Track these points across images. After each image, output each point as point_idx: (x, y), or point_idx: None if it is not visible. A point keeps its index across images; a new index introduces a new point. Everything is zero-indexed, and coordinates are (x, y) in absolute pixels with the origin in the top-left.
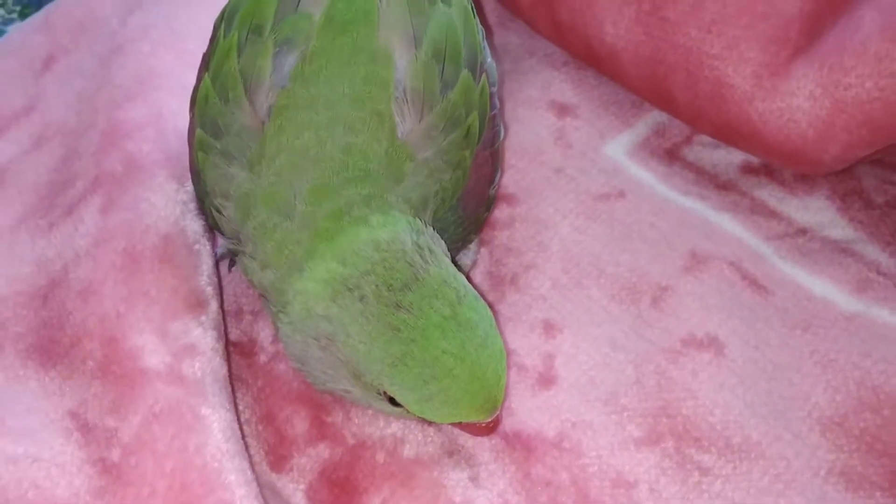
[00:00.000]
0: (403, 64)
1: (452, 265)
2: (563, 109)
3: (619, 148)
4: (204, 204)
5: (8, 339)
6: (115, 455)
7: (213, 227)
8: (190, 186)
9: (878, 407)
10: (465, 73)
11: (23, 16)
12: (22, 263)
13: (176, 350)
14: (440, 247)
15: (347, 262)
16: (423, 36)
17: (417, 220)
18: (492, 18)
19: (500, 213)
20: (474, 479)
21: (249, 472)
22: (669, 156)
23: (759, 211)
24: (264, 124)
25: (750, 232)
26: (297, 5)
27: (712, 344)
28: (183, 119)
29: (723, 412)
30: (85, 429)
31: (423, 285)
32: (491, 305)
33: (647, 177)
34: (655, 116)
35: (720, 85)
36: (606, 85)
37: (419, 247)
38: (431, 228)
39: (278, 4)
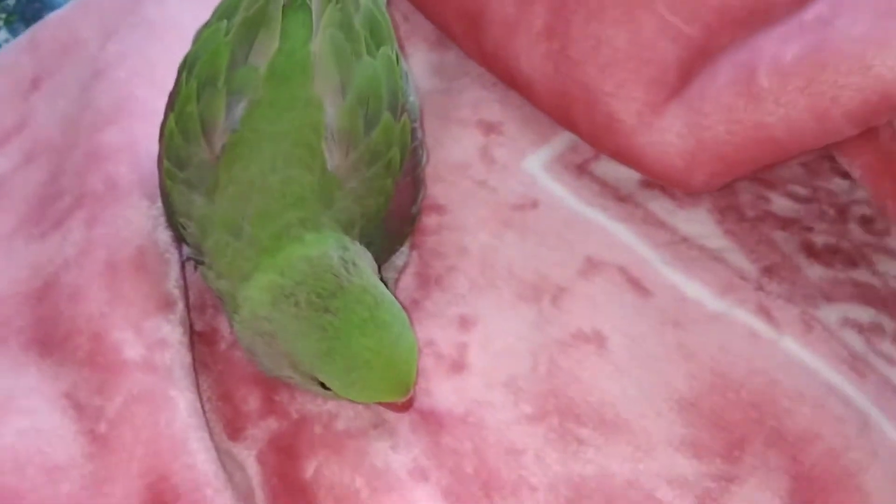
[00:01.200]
0: (332, 110)
1: (373, 276)
2: (489, 127)
3: (536, 162)
4: (171, 220)
5: (12, 333)
6: (102, 428)
7: (179, 239)
8: (160, 204)
9: (724, 391)
10: (386, 115)
11: (7, 23)
12: (19, 267)
13: (149, 344)
14: (365, 260)
15: (285, 273)
16: (349, 86)
17: (346, 237)
18: (431, 38)
19: (430, 220)
20: (394, 448)
21: (209, 441)
22: (579, 170)
23: (651, 221)
24: (218, 159)
25: (640, 240)
26: (246, 59)
27: (597, 338)
28: (153, 144)
29: (600, 394)
30: (77, 407)
31: (347, 293)
32: (418, 302)
33: (558, 189)
34: (570, 135)
35: (611, 118)
36: (529, 105)
37: (344, 261)
38: (358, 244)
39: (230, 58)
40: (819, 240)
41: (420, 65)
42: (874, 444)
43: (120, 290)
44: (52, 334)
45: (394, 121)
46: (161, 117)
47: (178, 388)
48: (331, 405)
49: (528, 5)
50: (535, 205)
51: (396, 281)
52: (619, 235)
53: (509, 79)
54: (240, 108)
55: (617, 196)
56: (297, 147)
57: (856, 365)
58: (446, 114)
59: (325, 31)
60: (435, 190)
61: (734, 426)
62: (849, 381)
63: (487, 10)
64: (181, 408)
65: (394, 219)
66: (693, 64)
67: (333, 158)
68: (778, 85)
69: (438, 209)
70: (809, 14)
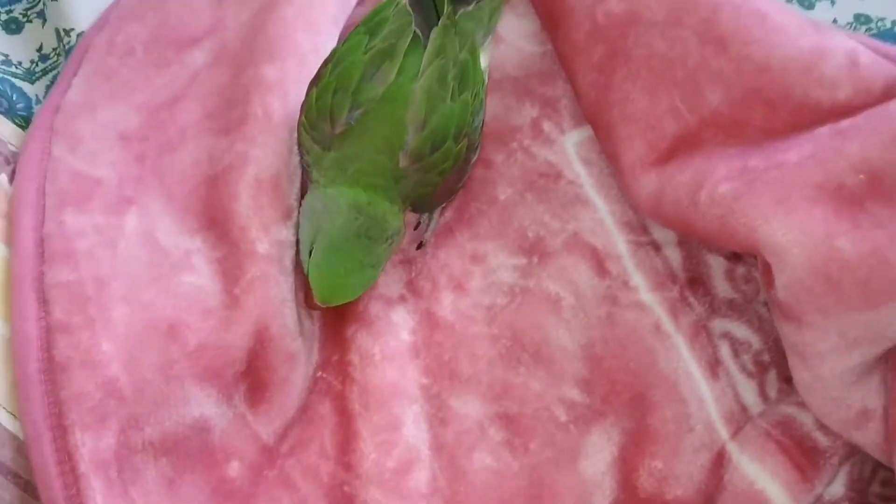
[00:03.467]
0: (413, 135)
1: (375, 244)
2: (546, 101)
3: (571, 140)
4: (299, 148)
5: (193, 202)
6: (237, 291)
7: (302, 162)
8: (295, 135)
9: (621, 357)
10: (449, 143)
11: None
12: (202, 150)
13: (272, 242)
14: (393, 227)
15: (339, 198)
16: (429, 122)
17: (394, 207)
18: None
19: (478, 171)
20: (403, 332)
21: (295, 307)
22: (600, 156)
23: (632, 221)
24: (336, 136)
25: (619, 231)
26: (372, 78)
27: (555, 298)
28: (298, 84)
29: (543, 335)
30: (224, 272)
31: (341, 232)
32: (451, 230)
33: (579, 168)
34: None
35: (617, 155)
36: None
37: (374, 218)
38: (398, 209)
39: (361, 75)
40: (741, 269)
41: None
42: (696, 422)
43: (260, 201)
44: (216, 216)
45: (454, 146)
46: (308, 59)
47: (283, 274)
48: (373, 290)
49: (593, 41)
50: (558, 177)
51: (443, 209)
52: (605, 221)
53: (568, 77)
54: (358, 112)
55: (618, 187)
56: (385, 145)
57: (716, 369)
58: (525, 77)
59: (426, 79)
60: (490, 145)
61: (616, 382)
62: (703, 378)
63: (564, 24)
64: (283, 288)
65: (441, 192)
66: (681, 144)
67: (403, 162)
68: (707, 206)
69: (486, 163)
70: (753, 161)
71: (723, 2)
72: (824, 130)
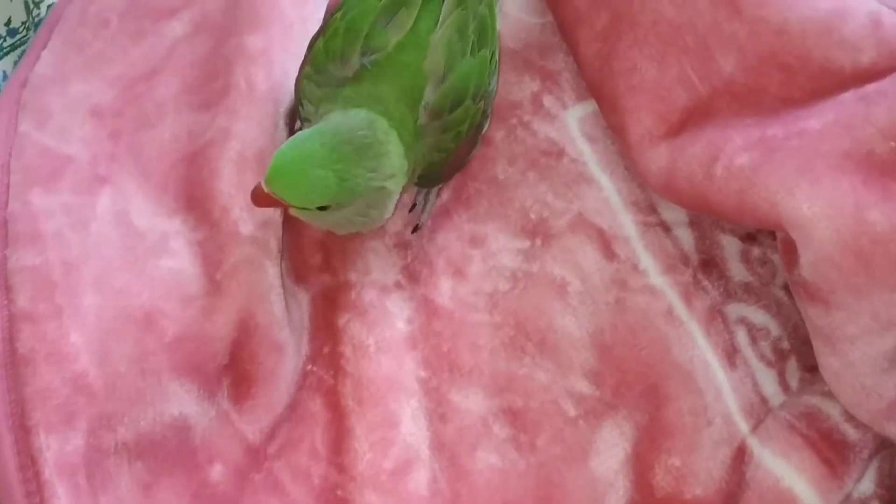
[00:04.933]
0: (432, 87)
1: (375, 169)
2: (547, 75)
3: (574, 116)
4: (295, 104)
5: (171, 182)
6: (219, 276)
7: (296, 115)
8: (282, 109)
9: (632, 346)
10: (468, 102)
11: None
12: (181, 126)
13: (257, 223)
14: (388, 169)
15: (361, 112)
16: (449, 75)
17: (404, 160)
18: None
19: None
20: (400, 320)
21: (282, 293)
22: (605, 131)
23: (640, 198)
24: (348, 79)
25: (626, 210)
26: (386, 25)
27: (561, 283)
28: (285, 54)
29: (548, 322)
30: (205, 256)
31: (361, 143)
32: (448, 212)
33: (582, 144)
34: None
35: (623, 128)
36: None
37: (381, 145)
38: (406, 169)
39: (373, 20)
40: (756, 251)
41: None
42: (714, 414)
43: (244, 178)
44: (196, 195)
45: (472, 105)
46: (295, 28)
47: (270, 258)
48: (365, 278)
49: (596, 8)
50: (560, 154)
51: (440, 190)
52: (611, 201)
53: (570, 49)
54: (371, 57)
55: (624, 164)
56: (404, 95)
57: (733, 357)
58: (524, 50)
59: (445, 30)
60: (490, 122)
61: (627, 372)
62: (720, 367)
63: None
64: (269, 273)
65: (451, 163)
66: (692, 115)
67: (423, 118)
68: (724, 180)
69: (485, 140)
70: (771, 129)
71: None
72: (848, 96)
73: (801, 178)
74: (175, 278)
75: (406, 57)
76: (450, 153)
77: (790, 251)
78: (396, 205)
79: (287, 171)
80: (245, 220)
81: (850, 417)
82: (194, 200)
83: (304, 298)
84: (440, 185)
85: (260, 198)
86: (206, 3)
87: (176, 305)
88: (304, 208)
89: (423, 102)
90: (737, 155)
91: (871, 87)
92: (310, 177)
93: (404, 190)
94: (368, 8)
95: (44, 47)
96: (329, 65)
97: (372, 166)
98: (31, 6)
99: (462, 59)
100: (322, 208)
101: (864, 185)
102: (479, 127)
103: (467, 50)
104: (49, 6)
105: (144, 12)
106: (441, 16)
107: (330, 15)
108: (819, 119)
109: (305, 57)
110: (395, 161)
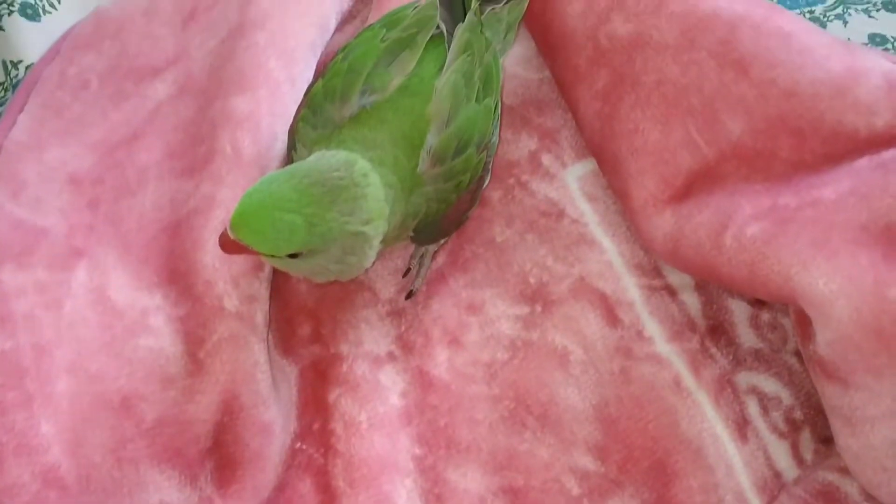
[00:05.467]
0: (436, 132)
1: (350, 214)
2: (545, 133)
3: (574, 174)
4: (288, 152)
5: (152, 254)
6: (201, 354)
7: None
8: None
9: (638, 419)
10: (472, 149)
11: None
12: (162, 195)
13: (242, 298)
14: (365, 215)
15: (341, 153)
16: (454, 120)
17: (388, 207)
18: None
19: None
20: (393, 395)
21: (269, 371)
22: (606, 190)
23: (644, 261)
24: (345, 120)
25: (629, 273)
26: (388, 66)
27: (563, 352)
28: (272, 117)
29: (550, 394)
30: (187, 333)
31: (336, 186)
32: (444, 276)
33: (584, 205)
34: None
35: (626, 192)
36: None
37: (357, 188)
38: (387, 216)
39: (376, 61)
40: (766, 315)
41: (521, 47)
42: (725, 492)
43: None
44: (178, 268)
45: (476, 154)
46: (283, 89)
47: (255, 334)
48: (356, 350)
49: (596, 66)
50: (560, 215)
51: (434, 253)
52: (614, 264)
53: (570, 107)
54: (371, 98)
55: (629, 227)
56: (404, 141)
57: (744, 430)
58: (521, 106)
59: (452, 73)
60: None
61: (634, 447)
62: (731, 441)
63: (564, 48)
64: (255, 350)
65: (449, 219)
66: (698, 179)
67: (424, 164)
68: (734, 250)
69: (483, 201)
70: (783, 198)
71: (741, 20)
72: (864, 163)
73: (817, 251)
74: (155, 359)
75: (408, 100)
76: (449, 205)
77: (805, 324)
78: (380, 254)
79: (252, 215)
80: (230, 294)
81: (870, 497)
82: (176, 274)
83: (292, 372)
84: (436, 248)
85: (227, 245)
86: (191, 62)
87: (155, 388)
88: (273, 255)
89: (424, 148)
90: (747, 225)
91: (887, 155)
92: (276, 222)
93: (398, 245)
94: (371, 49)
95: (20, 111)
96: (327, 105)
97: (347, 210)
98: (10, 67)
99: (468, 104)
100: (293, 255)
101: (884, 260)
102: (481, 180)
103: (473, 96)
104: (28, 67)
105: (126, 73)
106: (447, 60)
107: (330, 57)
108: (834, 188)
109: (302, 101)
110: (372, 204)
